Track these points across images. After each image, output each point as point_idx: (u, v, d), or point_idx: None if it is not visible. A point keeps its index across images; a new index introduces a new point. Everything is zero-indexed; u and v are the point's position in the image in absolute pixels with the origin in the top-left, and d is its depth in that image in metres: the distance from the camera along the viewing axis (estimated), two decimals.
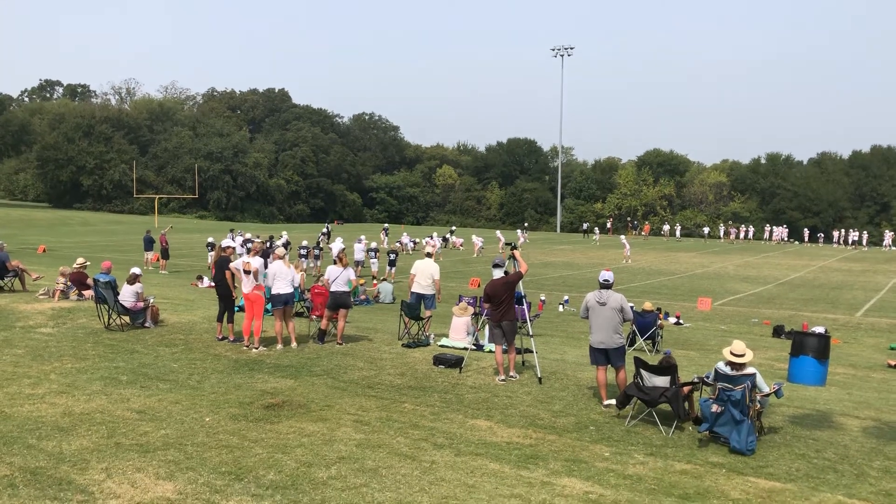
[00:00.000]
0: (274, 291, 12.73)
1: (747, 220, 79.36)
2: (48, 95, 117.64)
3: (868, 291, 31.83)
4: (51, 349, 12.13)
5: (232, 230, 39.82)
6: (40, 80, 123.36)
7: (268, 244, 30.05)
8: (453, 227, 61.62)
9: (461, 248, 50.78)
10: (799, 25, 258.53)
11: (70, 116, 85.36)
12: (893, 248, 65.21)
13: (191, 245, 43.86)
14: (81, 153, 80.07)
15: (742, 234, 72.69)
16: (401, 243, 44.87)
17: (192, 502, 6.29)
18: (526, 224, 76.67)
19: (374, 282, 26.49)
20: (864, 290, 32.09)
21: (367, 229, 62.75)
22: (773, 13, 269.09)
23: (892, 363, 16.12)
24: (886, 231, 69.69)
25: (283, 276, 12.74)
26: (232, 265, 13.03)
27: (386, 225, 58.27)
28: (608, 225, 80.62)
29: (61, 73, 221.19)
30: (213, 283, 22.88)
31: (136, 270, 14.71)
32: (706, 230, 73.73)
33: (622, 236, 54.38)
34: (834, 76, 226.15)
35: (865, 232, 69.81)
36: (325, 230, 51.18)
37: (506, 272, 11.36)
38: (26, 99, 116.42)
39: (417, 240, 47.58)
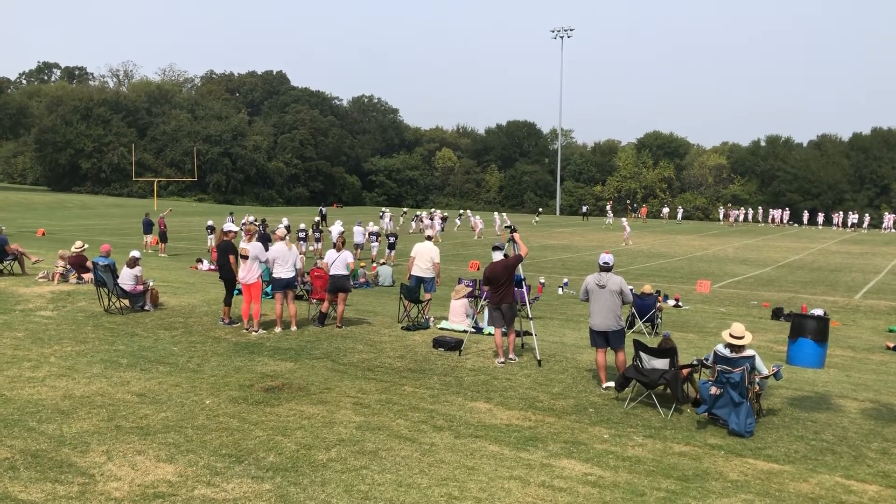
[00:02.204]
0: (275, 275, 12.71)
1: (747, 203, 79.22)
2: (46, 78, 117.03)
3: (867, 274, 31.84)
4: (50, 332, 12.13)
5: (231, 213, 39.76)
6: (38, 62, 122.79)
7: (260, 227, 29.97)
8: (461, 211, 61.76)
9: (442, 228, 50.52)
10: (799, 7, 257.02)
11: (68, 99, 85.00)
12: (893, 230, 65.14)
13: (190, 228, 43.82)
14: (80, 136, 79.76)
15: (742, 217, 72.58)
16: (427, 221, 44.53)
17: (193, 484, 6.31)
18: (541, 209, 76.25)
19: (374, 265, 26.51)
20: (863, 273, 32.10)
21: (367, 212, 62.64)
22: None
23: (891, 345, 16.14)
24: (886, 213, 69.59)
25: (285, 260, 12.71)
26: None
27: (387, 210, 58.20)
28: (607, 208, 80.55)
29: (59, 55, 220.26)
30: (212, 267, 22.96)
31: (135, 254, 14.68)
32: (741, 215, 72.53)
33: (623, 219, 54.18)
34: (834, 58, 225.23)
35: (867, 215, 69.67)
36: (322, 211, 51.35)
37: (505, 255, 11.36)
38: (24, 81, 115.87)
39: (445, 215, 47.89)
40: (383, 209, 57.15)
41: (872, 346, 16.47)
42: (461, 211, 60.77)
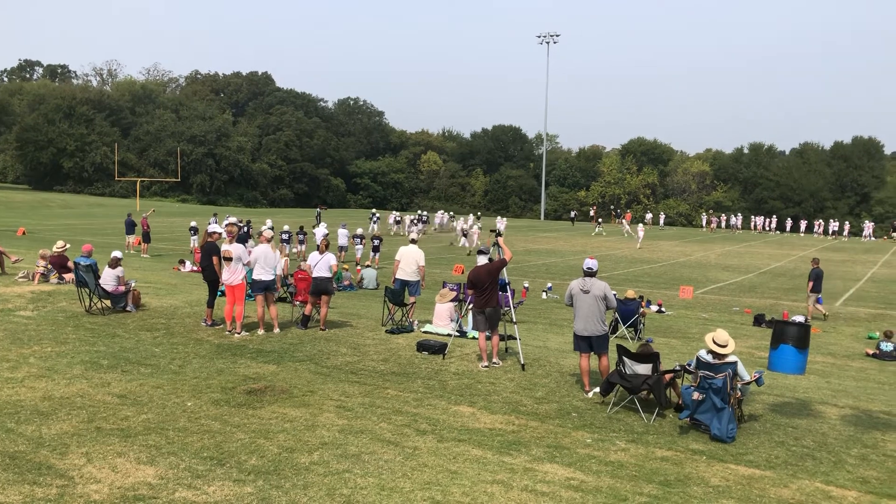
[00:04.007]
0: (255, 277, 12.64)
1: (729, 210, 79.88)
2: (27, 76, 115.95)
3: (847, 281, 32.14)
4: (30, 333, 12.00)
5: (215, 214, 39.51)
6: (19, 59, 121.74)
7: (245, 228, 29.85)
8: (478, 213, 62.10)
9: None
10: (782, 16, 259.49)
11: (50, 97, 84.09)
12: (873, 238, 65.87)
13: (173, 229, 43.52)
14: (62, 135, 79.00)
15: (724, 223, 73.09)
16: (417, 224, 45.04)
17: (174, 487, 6.26)
18: (601, 220, 73.96)
19: (358, 267, 26.45)
20: (843, 280, 32.40)
21: (352, 215, 62.53)
22: (757, 4, 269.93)
23: (870, 352, 16.32)
24: (867, 221, 70.36)
25: (266, 262, 12.65)
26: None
27: (376, 213, 58.21)
28: (591, 213, 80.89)
29: (41, 53, 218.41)
30: (195, 268, 22.80)
31: (117, 254, 14.57)
32: (734, 221, 72.41)
33: (639, 225, 53.62)
34: (816, 67, 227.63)
35: (847, 222, 70.36)
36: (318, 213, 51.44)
37: (490, 259, 11.37)
38: (5, 79, 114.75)
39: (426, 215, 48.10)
40: (373, 211, 57.05)
41: (852, 352, 16.63)
42: (477, 213, 61.20)
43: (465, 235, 39.70)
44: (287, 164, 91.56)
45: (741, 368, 8.77)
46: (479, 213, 59.17)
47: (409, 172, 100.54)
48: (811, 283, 21.43)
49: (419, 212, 52.68)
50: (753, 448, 8.01)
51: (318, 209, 56.01)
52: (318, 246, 13.64)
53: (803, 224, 73.07)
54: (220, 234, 13.64)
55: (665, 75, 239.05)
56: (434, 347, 11.75)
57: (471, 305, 11.51)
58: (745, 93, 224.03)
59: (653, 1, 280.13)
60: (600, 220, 66.94)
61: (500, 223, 47.79)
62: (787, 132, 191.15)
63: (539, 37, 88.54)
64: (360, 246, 31.40)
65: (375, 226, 44.71)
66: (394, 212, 47.02)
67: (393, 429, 8.07)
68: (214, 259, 12.94)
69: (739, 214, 75.05)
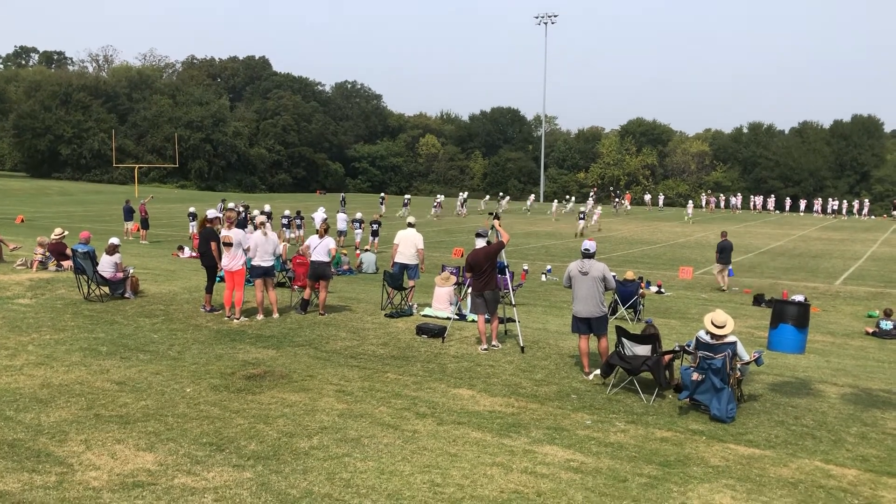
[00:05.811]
0: (254, 263, 12.60)
1: (729, 190, 79.74)
2: (23, 62, 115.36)
3: (847, 260, 32.13)
4: (29, 320, 11.98)
5: (223, 200, 39.39)
6: (15, 46, 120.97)
7: (243, 213, 29.76)
8: (593, 195, 62.26)
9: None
10: None
11: (46, 84, 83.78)
12: (871, 217, 65.83)
13: (171, 215, 43.44)
14: (59, 122, 78.81)
15: (723, 203, 73.01)
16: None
17: (173, 473, 6.26)
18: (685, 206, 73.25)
19: (357, 252, 26.43)
20: (842, 259, 32.39)
21: (350, 199, 62.34)
22: None
23: (870, 331, 16.32)
24: (865, 200, 70.34)
25: (264, 248, 12.60)
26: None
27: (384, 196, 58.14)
28: (591, 194, 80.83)
29: (36, 39, 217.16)
30: (194, 254, 22.74)
31: (114, 241, 14.52)
32: (734, 201, 72.00)
33: (689, 203, 54.14)
34: (816, 45, 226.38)
35: (846, 201, 70.29)
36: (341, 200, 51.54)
37: (488, 242, 11.34)
38: (1, 66, 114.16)
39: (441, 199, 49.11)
40: (382, 195, 56.76)
41: (852, 331, 16.63)
42: (501, 194, 61.39)
43: (582, 219, 40.53)
44: (285, 148, 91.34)
45: (740, 348, 8.76)
46: (593, 195, 60.17)
47: (407, 156, 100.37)
48: (717, 255, 22.74)
49: (447, 197, 53.15)
50: (753, 428, 8.01)
51: (342, 195, 56.42)
52: (316, 230, 13.58)
53: (803, 203, 73.02)
54: (219, 219, 13.59)
55: (664, 55, 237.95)
56: (433, 331, 11.74)
57: (470, 289, 11.48)
58: (745, 71, 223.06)
59: None
60: (618, 199, 66.93)
61: (597, 211, 47.88)
62: (787, 111, 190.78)
63: (537, 17, 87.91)
64: (360, 230, 31.34)
65: (383, 207, 44.93)
66: (437, 197, 48.04)
67: (392, 412, 8.07)
68: (213, 244, 12.90)
69: (739, 194, 74.94)
